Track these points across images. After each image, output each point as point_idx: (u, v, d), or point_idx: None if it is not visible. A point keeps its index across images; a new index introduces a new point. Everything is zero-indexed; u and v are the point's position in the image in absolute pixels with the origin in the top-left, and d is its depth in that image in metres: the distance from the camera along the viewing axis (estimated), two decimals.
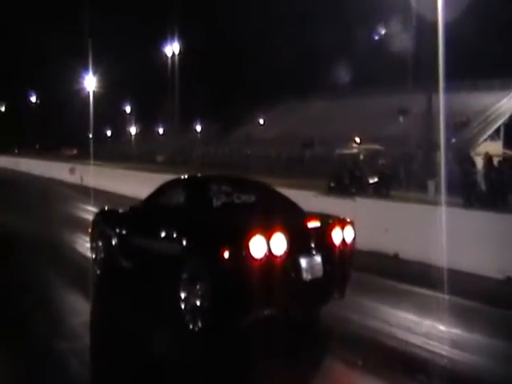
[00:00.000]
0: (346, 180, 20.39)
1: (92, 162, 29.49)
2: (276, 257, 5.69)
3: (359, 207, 11.52)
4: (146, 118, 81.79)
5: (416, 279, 8.74)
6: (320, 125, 51.06)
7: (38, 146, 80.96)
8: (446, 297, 7.91)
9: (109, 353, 5.68)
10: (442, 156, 18.66)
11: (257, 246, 5.58)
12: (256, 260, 5.58)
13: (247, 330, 6.20)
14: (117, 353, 5.68)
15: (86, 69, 52.37)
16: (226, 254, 5.73)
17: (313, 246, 6.13)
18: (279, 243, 5.69)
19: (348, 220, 6.61)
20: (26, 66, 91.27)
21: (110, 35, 63.42)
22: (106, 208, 9.03)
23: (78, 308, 7.29)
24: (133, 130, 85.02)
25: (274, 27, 63.06)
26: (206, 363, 5.46)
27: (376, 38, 43.99)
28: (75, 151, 65.23)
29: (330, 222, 6.49)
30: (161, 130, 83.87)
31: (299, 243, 5.99)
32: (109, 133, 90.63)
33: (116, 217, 8.41)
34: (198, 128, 79.93)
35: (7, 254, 9.80)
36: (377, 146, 35.40)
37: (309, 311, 6.83)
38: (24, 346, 5.67)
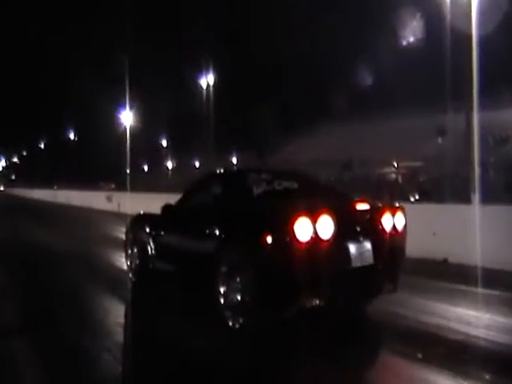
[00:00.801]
0: (387, 199, 19.97)
1: (129, 190, 29.53)
2: (323, 241, 5.22)
3: None
4: (182, 152, 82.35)
5: (468, 280, 8.24)
6: (357, 148, 50.70)
7: (76, 181, 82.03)
8: (503, 294, 7.60)
9: (143, 349, 5.31)
10: (475, 166, 18.20)
11: (302, 229, 5.12)
12: (301, 244, 5.12)
13: (292, 324, 5.75)
14: (151, 350, 5.30)
15: (123, 104, 52.99)
16: (269, 240, 5.27)
17: (362, 231, 5.67)
18: (326, 226, 5.23)
19: (398, 205, 6.16)
20: (63, 104, 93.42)
21: (145, 70, 64.27)
22: (141, 213, 8.67)
23: (113, 310, 6.97)
24: (169, 164, 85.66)
25: (306, 53, 63.03)
26: (249, 361, 5.04)
27: (404, 44, 43.19)
28: (113, 186, 65.82)
29: (379, 206, 6.04)
30: (197, 164, 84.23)
31: (347, 227, 5.53)
32: (145, 167, 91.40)
33: (150, 220, 8.03)
34: (234, 160, 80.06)
35: (50, 267, 10.00)
36: (417, 163, 34.80)
37: (358, 303, 6.33)
38: (61, 342, 5.51)
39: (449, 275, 8.97)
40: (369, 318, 6.37)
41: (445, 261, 10.19)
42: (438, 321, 6.14)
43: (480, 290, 7.78)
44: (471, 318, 6.32)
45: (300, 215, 5.16)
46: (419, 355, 5.01)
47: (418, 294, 7.40)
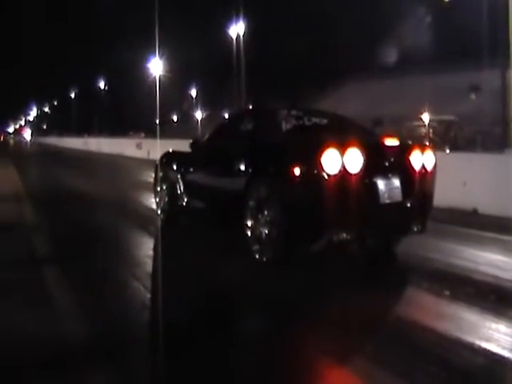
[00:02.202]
0: None
1: (158, 138, 29.75)
2: (351, 175, 5.17)
3: None
4: (212, 103, 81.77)
5: (499, 229, 8.11)
6: (388, 104, 49.84)
7: (107, 131, 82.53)
8: None
9: (171, 279, 5.33)
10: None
11: (330, 162, 5.08)
12: (329, 177, 5.09)
13: (320, 258, 5.75)
14: (179, 280, 5.38)
15: (153, 53, 52.68)
16: (297, 172, 5.27)
17: (390, 167, 5.60)
18: (354, 160, 5.17)
19: (428, 145, 6.06)
20: (94, 53, 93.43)
21: (174, 18, 63.51)
22: (170, 150, 8.67)
23: (143, 245, 7.10)
24: (198, 114, 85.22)
25: (335, 7, 61.52)
26: (275, 293, 5.02)
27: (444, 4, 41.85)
28: (143, 135, 66.18)
29: (408, 144, 5.96)
30: (226, 115, 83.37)
31: (376, 162, 5.47)
32: (175, 118, 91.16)
33: (179, 157, 8.07)
34: None
35: (83, 208, 10.24)
36: (450, 117, 34.15)
37: (386, 241, 6.28)
38: (92, 270, 5.66)
39: (478, 224, 8.80)
40: (397, 259, 6.34)
41: (474, 211, 10.03)
42: (467, 264, 6.08)
43: (510, 238, 7.64)
44: (500, 263, 6.22)
45: (328, 147, 5.11)
46: (447, 293, 5.00)
47: (447, 240, 7.31)
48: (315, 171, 5.12)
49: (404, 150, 5.81)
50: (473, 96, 45.17)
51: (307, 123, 6.42)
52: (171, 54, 56.27)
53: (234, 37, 53.84)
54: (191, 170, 7.58)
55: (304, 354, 3.69)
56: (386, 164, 5.60)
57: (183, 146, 8.36)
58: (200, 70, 73.73)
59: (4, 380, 3.25)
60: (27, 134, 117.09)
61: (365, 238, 5.63)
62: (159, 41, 46.30)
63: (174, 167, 7.90)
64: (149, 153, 25.83)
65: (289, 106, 7.37)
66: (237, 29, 52.46)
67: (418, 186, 5.79)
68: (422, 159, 5.80)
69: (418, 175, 5.77)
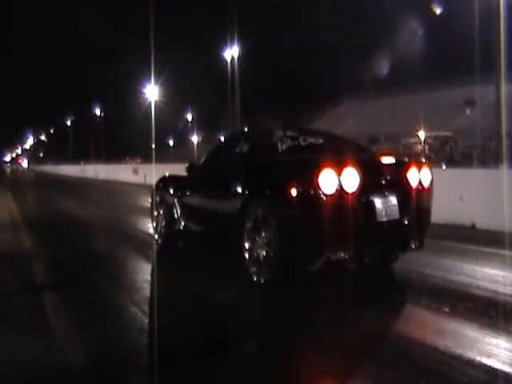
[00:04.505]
0: None
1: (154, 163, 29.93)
2: (348, 194, 5.19)
3: None
4: (207, 126, 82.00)
5: (497, 244, 8.09)
6: (384, 121, 50.18)
7: (103, 157, 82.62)
8: None
9: (169, 304, 5.36)
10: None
11: (327, 181, 5.09)
12: (326, 196, 5.10)
13: (318, 278, 5.74)
14: (177, 304, 5.40)
15: (148, 78, 52.91)
16: (294, 192, 5.26)
17: (387, 185, 5.61)
18: (351, 179, 5.19)
19: (425, 161, 6.08)
20: (89, 79, 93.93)
21: (169, 44, 63.93)
22: (166, 174, 8.68)
23: (140, 269, 7.08)
24: (195, 138, 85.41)
25: (329, 26, 62.14)
26: (274, 315, 5.01)
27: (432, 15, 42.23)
28: (139, 160, 66.32)
29: (405, 161, 5.98)
30: (222, 138, 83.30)
31: (372, 181, 5.49)
32: (171, 142, 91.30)
33: (175, 181, 8.08)
34: None
35: (81, 232, 10.50)
36: (445, 133, 34.32)
37: (385, 259, 6.26)
38: (89, 296, 5.69)
39: (477, 239, 8.85)
40: (395, 275, 6.36)
41: (472, 226, 10.04)
42: (466, 279, 6.07)
43: (509, 252, 7.64)
44: (499, 277, 6.20)
45: (324, 167, 5.12)
46: (446, 309, 4.98)
47: (446, 256, 7.34)
48: (312, 191, 5.13)
49: (400, 168, 5.84)
50: (468, 111, 45.48)
51: (303, 143, 6.44)
52: (167, 78, 56.52)
53: (229, 60, 53.85)
54: (188, 193, 7.60)
55: (303, 373, 3.67)
56: (383, 182, 5.62)
57: (179, 169, 8.39)
58: (195, 94, 74.08)
59: None
60: (24, 163, 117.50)
61: (363, 256, 5.58)
62: (154, 66, 46.54)
63: (171, 191, 7.92)
64: (145, 177, 25.94)
65: (284, 126, 7.41)
66: (231, 52, 52.51)
67: (415, 202, 5.80)
68: (418, 176, 5.84)
69: (414, 192, 5.79)
